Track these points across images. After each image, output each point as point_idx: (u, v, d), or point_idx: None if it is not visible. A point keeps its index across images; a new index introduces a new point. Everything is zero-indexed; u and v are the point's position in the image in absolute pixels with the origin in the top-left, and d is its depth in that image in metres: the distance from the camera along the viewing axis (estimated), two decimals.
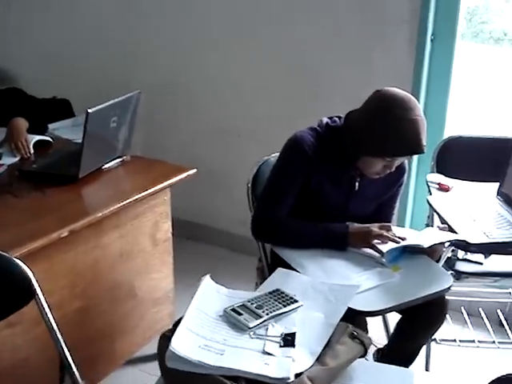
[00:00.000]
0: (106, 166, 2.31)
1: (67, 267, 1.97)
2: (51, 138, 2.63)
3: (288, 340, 1.31)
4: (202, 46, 3.30)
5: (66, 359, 1.62)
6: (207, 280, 1.52)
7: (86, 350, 2.05)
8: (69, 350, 1.64)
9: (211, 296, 1.45)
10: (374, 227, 1.86)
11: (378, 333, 2.32)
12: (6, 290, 1.58)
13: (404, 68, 2.76)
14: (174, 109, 3.49)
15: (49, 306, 1.61)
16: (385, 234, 1.84)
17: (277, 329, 1.34)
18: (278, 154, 2.04)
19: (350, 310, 1.50)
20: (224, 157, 3.41)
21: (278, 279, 1.60)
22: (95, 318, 2.14)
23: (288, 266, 1.75)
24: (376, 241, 1.84)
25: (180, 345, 1.23)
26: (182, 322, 1.31)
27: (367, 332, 2.10)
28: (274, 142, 2.05)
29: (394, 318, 2.10)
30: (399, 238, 1.83)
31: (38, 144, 2.52)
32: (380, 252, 1.80)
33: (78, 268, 2.02)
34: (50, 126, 2.82)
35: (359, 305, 1.56)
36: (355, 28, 2.85)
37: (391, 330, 2.23)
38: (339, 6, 2.86)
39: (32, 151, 2.45)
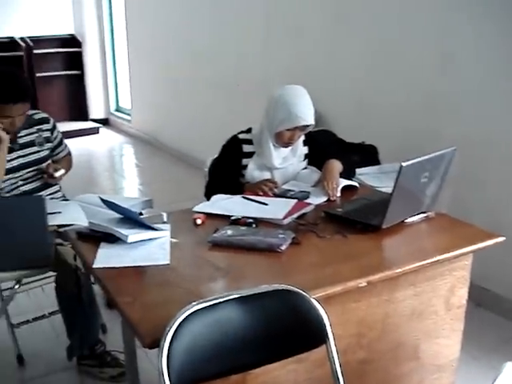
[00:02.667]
0: (409, 219, 2.26)
1: (358, 316, 1.97)
2: (358, 183, 2.69)
3: None
4: None
5: None
6: (510, 368, 1.37)
7: None
8: None
9: None
10: None
11: None
12: (300, 328, 1.62)
13: None
14: (482, 167, 3.32)
15: (337, 352, 1.62)
16: None
17: None
18: None
19: None
20: None
21: None
22: (373, 372, 2.09)
23: None
24: None
25: None
26: None
27: None
28: None
29: None
30: None
31: (344, 187, 2.60)
32: None
33: (368, 319, 2.00)
34: (357, 171, 2.89)
35: None
36: None
37: None
38: None
39: (339, 194, 2.53)
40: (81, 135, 7.08)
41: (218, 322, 1.54)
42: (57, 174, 2.82)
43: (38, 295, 3.12)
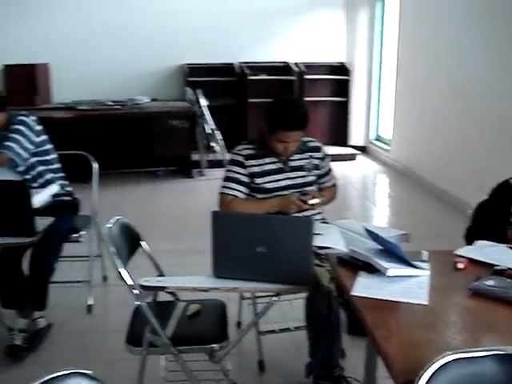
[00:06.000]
0: None
1: None
2: None
3: None
4: None
5: None
6: None
7: None
8: None
9: None
10: None
11: None
12: None
13: None
14: None
15: None
16: None
17: None
18: None
19: None
20: None
21: None
22: None
23: None
24: None
25: None
26: None
27: None
28: None
29: None
30: None
31: None
32: None
33: None
34: None
35: None
36: None
37: None
38: None
39: None
40: (339, 160, 7.28)
41: (474, 377, 1.47)
42: (310, 201, 2.91)
43: (285, 308, 3.26)
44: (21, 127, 3.38)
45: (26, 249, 3.27)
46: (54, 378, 1.35)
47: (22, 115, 3.46)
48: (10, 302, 3.29)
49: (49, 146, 3.55)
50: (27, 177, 3.41)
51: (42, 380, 1.32)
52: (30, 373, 2.96)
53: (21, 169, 3.40)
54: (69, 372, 1.38)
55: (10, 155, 3.30)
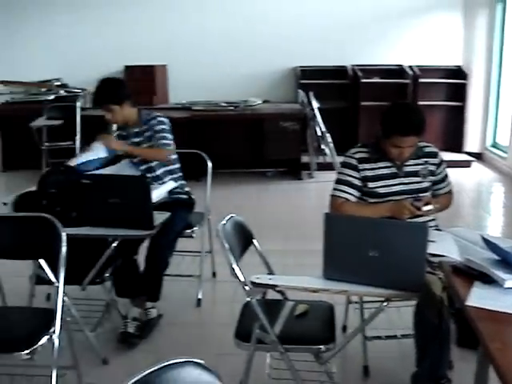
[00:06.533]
0: None
1: None
2: None
3: None
4: None
5: None
6: None
7: None
8: None
9: None
10: None
11: None
12: None
13: None
14: None
15: None
16: None
17: None
18: None
19: None
20: None
21: None
22: None
23: None
24: None
25: None
26: None
27: None
28: None
29: None
30: None
31: None
32: None
33: None
34: None
35: None
36: None
37: None
38: None
39: None
40: (452, 166, 7.07)
41: None
42: (424, 208, 2.84)
43: (392, 314, 3.22)
44: (164, 126, 3.58)
45: (142, 241, 3.42)
46: (168, 365, 1.39)
47: (158, 115, 3.67)
48: (124, 291, 3.46)
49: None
50: (147, 175, 3.57)
51: (157, 366, 1.37)
52: (141, 359, 3.11)
53: (142, 167, 3.57)
54: (183, 360, 1.42)
55: (171, 152, 3.53)
